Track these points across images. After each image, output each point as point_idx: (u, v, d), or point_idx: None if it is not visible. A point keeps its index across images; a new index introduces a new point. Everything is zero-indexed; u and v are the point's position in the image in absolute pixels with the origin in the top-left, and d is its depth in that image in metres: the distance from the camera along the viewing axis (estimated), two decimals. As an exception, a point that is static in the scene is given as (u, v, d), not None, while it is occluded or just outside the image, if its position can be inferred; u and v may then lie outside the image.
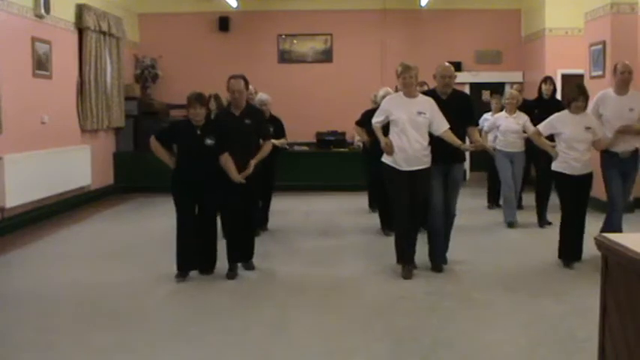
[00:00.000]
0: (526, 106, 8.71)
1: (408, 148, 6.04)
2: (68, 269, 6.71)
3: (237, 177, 6.06)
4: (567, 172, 6.43)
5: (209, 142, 6.04)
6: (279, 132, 8.22)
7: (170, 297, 5.71)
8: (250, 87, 8.86)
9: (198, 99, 6.04)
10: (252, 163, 6.23)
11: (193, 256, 6.19)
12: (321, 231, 8.58)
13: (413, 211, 6.16)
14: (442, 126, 6.10)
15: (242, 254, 6.43)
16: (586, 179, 6.49)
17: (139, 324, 5.01)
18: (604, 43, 9.45)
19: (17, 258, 7.30)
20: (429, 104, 6.12)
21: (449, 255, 6.59)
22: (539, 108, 8.49)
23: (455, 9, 13.65)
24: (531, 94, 9.66)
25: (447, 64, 6.49)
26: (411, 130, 6.03)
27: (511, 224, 8.45)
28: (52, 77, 9.81)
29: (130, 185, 11.92)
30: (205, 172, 6.06)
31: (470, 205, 9.67)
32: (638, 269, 2.62)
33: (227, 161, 6.07)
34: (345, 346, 4.52)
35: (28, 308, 5.42)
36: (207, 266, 6.28)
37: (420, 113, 6.06)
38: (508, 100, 8.55)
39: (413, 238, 6.31)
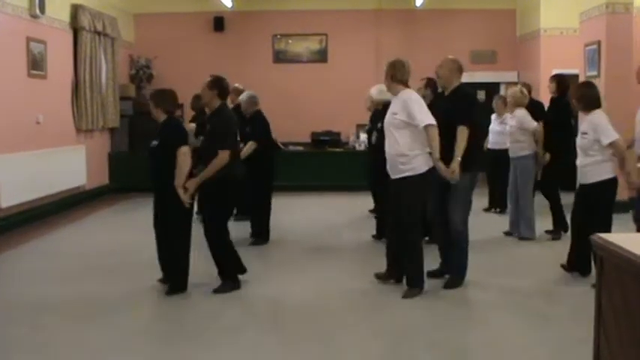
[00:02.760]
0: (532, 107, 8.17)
1: (387, 154, 5.57)
2: (63, 269, 6.70)
3: (181, 191, 5.52)
4: None
5: (154, 142, 5.68)
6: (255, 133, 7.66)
7: (165, 298, 5.69)
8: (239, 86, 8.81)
9: (150, 97, 5.86)
10: (190, 184, 5.55)
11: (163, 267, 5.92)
12: (314, 234, 8.58)
13: (394, 224, 5.78)
14: (422, 122, 5.34)
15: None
16: None
17: (135, 324, 5.01)
18: (599, 43, 9.46)
19: (12, 258, 7.29)
20: (401, 102, 5.47)
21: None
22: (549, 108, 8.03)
23: (450, 9, 13.65)
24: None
25: (449, 57, 5.97)
26: (388, 133, 5.55)
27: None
28: (47, 77, 9.78)
29: (124, 185, 11.89)
30: (155, 176, 5.70)
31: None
32: (633, 269, 2.62)
33: (182, 161, 5.55)
34: (340, 345, 4.52)
35: (22, 308, 5.40)
36: (170, 282, 5.82)
37: (393, 114, 5.52)
38: (509, 98, 8.03)
39: (391, 250, 5.99)
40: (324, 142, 12.78)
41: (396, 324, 4.98)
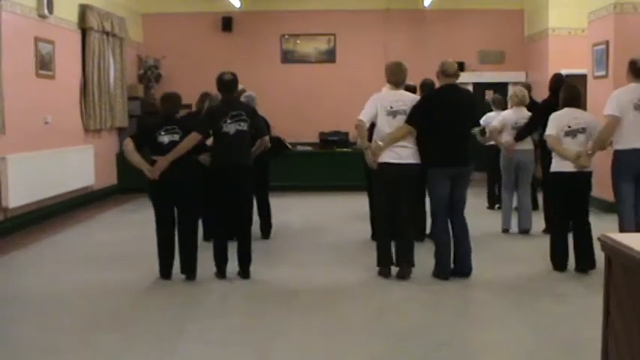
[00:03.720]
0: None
1: None
2: (71, 269, 6.72)
3: (144, 168, 6.16)
4: None
5: None
6: None
7: (171, 297, 5.70)
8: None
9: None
10: (161, 160, 6.03)
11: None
12: (321, 233, 8.59)
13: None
14: None
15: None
16: None
17: (142, 324, 5.02)
18: (607, 43, 9.43)
19: (20, 258, 7.31)
20: None
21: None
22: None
23: (458, 9, 13.64)
24: (538, 96, 9.57)
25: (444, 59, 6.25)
26: None
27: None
28: (56, 77, 9.81)
29: (133, 186, 11.87)
30: None
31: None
32: (640, 269, 2.61)
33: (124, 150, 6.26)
34: (346, 346, 4.52)
35: (30, 308, 5.42)
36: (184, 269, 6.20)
37: None
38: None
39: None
40: (332, 142, 12.77)
41: (398, 323, 4.97)
